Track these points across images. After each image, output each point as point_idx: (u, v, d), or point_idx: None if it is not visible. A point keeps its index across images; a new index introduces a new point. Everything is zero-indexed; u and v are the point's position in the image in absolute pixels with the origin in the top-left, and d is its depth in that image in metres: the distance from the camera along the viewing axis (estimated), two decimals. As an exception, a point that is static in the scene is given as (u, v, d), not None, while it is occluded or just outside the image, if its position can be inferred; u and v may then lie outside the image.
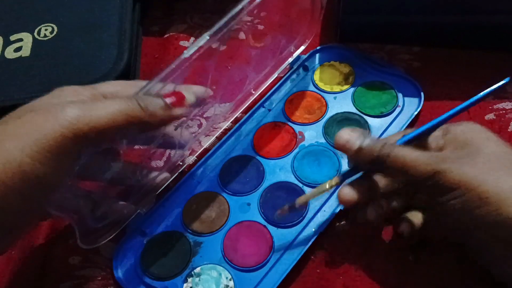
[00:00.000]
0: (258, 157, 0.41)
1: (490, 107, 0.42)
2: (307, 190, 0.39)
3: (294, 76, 0.45)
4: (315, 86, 0.44)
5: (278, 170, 0.40)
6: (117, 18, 0.44)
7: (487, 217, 0.29)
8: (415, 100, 0.42)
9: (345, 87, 0.44)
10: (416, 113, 0.42)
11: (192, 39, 0.49)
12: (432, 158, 0.31)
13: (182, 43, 0.49)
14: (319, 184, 0.36)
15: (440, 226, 0.34)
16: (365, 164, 0.33)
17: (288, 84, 0.45)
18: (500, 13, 0.43)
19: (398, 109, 0.42)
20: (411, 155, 0.31)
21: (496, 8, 0.43)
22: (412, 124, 0.42)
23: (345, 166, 0.40)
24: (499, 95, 0.43)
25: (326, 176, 0.39)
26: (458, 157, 0.31)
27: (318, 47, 0.46)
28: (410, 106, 0.42)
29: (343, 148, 0.33)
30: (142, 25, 0.50)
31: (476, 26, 0.44)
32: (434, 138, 0.34)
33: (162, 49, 0.49)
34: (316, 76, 0.45)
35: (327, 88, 0.44)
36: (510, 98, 0.43)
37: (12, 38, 0.43)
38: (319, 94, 0.44)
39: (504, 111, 0.42)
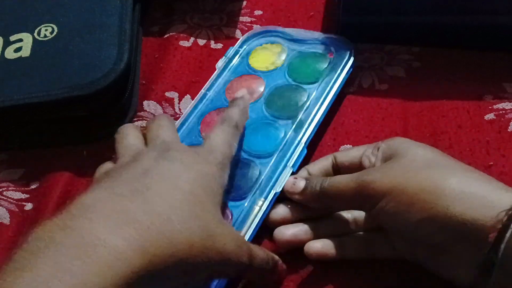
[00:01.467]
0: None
1: (490, 107, 0.42)
2: (257, 161, 0.39)
3: (229, 65, 0.46)
4: (251, 69, 0.45)
5: None
6: (117, 19, 0.44)
7: (422, 213, 0.29)
8: (346, 53, 0.44)
9: (279, 63, 0.45)
10: (348, 63, 0.43)
11: (192, 39, 0.49)
12: (356, 175, 0.32)
13: (182, 43, 0.49)
14: (268, 153, 0.39)
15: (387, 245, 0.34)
16: (314, 202, 0.35)
17: (225, 73, 0.45)
18: (500, 14, 0.43)
19: (329, 67, 0.44)
20: (341, 179, 0.33)
21: (496, 9, 0.43)
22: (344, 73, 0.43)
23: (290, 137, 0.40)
24: (499, 95, 0.43)
25: (273, 145, 0.39)
26: (382, 167, 0.32)
27: (247, 33, 0.47)
28: (341, 60, 0.43)
29: (291, 191, 0.36)
30: (142, 25, 0.50)
31: (476, 26, 0.44)
32: (366, 157, 0.35)
33: (162, 49, 0.49)
34: (251, 61, 0.46)
35: (262, 68, 0.45)
36: (510, 98, 0.43)
37: (12, 38, 0.43)
38: (256, 75, 0.45)
39: (504, 111, 0.42)
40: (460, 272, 0.30)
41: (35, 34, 0.43)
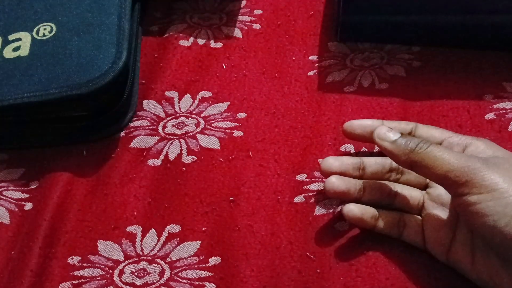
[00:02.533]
0: None
1: (490, 107, 0.42)
2: None
3: None
4: None
5: None
6: (115, 18, 0.44)
7: None
8: None
9: None
10: None
11: (191, 38, 0.49)
12: (472, 158, 0.31)
13: (181, 42, 0.49)
14: None
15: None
16: (399, 157, 0.33)
17: None
18: (500, 13, 0.43)
19: None
20: (448, 151, 0.32)
21: (496, 8, 0.43)
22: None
23: None
24: (499, 94, 0.43)
25: None
26: (489, 162, 0.31)
27: None
28: None
29: (383, 137, 0.34)
30: (142, 25, 0.49)
31: (476, 26, 0.44)
32: (449, 145, 0.35)
33: (161, 48, 0.48)
34: None
35: None
36: (510, 98, 0.43)
37: (11, 37, 0.43)
38: None
39: (504, 111, 0.42)
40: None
41: (34, 33, 0.43)
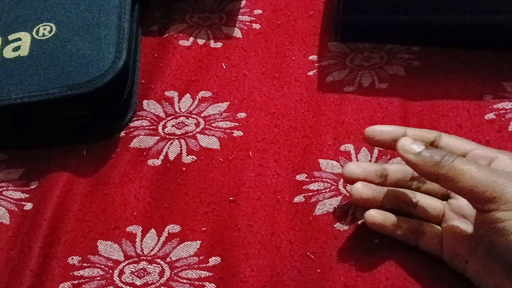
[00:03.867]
0: None
1: (490, 107, 0.42)
2: None
3: None
4: None
5: None
6: (115, 18, 0.44)
7: None
8: None
9: None
10: None
11: (191, 38, 0.49)
12: (500, 174, 0.30)
13: (181, 42, 0.49)
14: None
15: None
16: (423, 170, 0.32)
17: None
18: (500, 13, 0.43)
19: None
20: (476, 168, 0.30)
21: (496, 8, 0.43)
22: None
23: None
24: (499, 94, 0.43)
25: None
26: None
27: None
28: None
29: (407, 149, 0.33)
30: (142, 25, 0.50)
31: (476, 25, 0.44)
32: (474, 157, 0.34)
33: (161, 48, 0.48)
34: None
35: None
36: (510, 98, 0.43)
37: (11, 37, 0.43)
38: None
39: (504, 111, 0.42)
40: None
41: (34, 33, 0.43)
